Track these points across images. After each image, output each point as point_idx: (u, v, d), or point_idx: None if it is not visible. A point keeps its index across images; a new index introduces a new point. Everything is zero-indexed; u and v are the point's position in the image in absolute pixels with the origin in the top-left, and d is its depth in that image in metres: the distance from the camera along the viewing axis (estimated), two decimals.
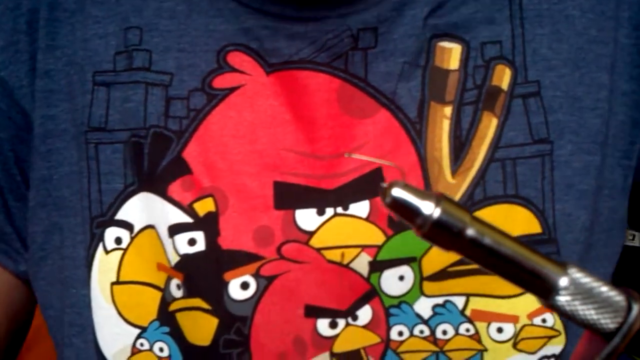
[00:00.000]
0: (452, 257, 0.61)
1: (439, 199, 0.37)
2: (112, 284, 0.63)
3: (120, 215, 0.63)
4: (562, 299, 0.38)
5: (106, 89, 0.64)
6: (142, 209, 0.63)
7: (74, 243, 0.65)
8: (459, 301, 0.62)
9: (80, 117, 0.64)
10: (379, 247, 0.61)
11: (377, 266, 0.61)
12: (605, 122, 0.64)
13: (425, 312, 0.61)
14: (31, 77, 0.65)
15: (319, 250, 0.61)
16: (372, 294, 0.61)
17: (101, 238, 0.64)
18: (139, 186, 0.63)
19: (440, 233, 0.38)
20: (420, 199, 0.37)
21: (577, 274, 0.38)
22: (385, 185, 0.38)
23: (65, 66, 0.65)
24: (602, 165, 0.64)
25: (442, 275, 0.61)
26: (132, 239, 0.63)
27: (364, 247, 0.61)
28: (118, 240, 0.63)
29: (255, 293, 0.61)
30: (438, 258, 0.61)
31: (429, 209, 0.37)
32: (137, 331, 0.63)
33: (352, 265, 0.61)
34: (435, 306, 0.62)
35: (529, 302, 0.62)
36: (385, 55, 0.62)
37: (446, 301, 0.62)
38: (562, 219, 0.62)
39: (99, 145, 0.64)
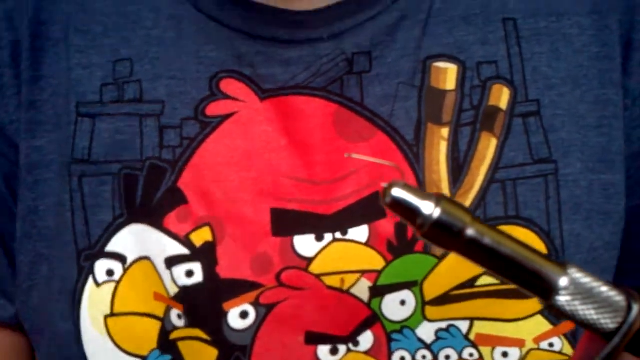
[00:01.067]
0: (454, 280, 0.61)
1: (439, 199, 0.37)
2: (106, 317, 0.62)
3: (111, 247, 0.62)
4: (562, 299, 0.38)
5: (91, 120, 0.63)
6: (134, 241, 0.62)
7: (62, 276, 0.64)
8: (463, 325, 0.61)
9: (64, 148, 0.64)
10: (379, 272, 0.60)
11: (378, 291, 0.60)
12: (613, 141, 0.63)
13: (428, 337, 0.61)
14: (18, 110, 0.65)
15: (318, 276, 0.61)
16: (373, 319, 0.61)
17: (91, 271, 0.62)
18: (129, 218, 0.62)
19: (440, 233, 0.38)
20: (420, 199, 0.38)
21: (577, 274, 0.38)
22: (385, 185, 0.38)
23: (51, 97, 0.64)
24: (610, 185, 0.63)
25: (444, 299, 0.61)
26: (125, 270, 0.62)
27: (363, 273, 0.60)
28: (110, 273, 0.62)
29: (255, 322, 0.61)
30: (440, 282, 0.61)
31: (429, 209, 0.37)
32: None
33: (353, 290, 0.60)
34: (438, 331, 0.61)
35: (535, 325, 0.61)
36: (381, 79, 0.62)
37: (450, 325, 0.61)
38: (571, 239, 0.62)
39: (83, 178, 0.63)
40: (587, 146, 0.63)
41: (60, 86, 0.64)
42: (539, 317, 0.61)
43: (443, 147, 0.62)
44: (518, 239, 0.39)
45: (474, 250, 0.38)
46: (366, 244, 0.61)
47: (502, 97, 0.62)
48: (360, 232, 0.61)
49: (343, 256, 0.61)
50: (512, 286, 0.59)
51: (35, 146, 0.64)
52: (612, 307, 0.38)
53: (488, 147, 0.62)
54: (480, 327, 0.61)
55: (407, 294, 0.61)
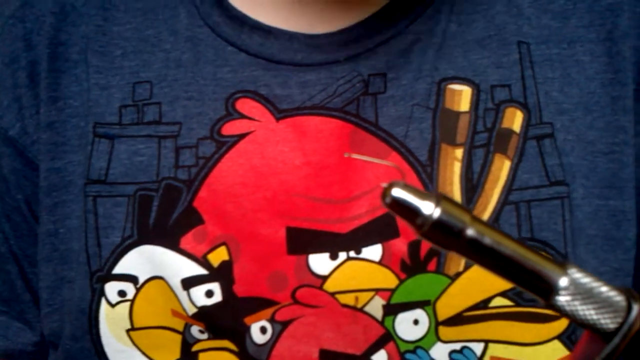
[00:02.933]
0: (467, 301, 0.61)
1: (439, 198, 0.37)
2: (128, 330, 0.63)
3: (119, 269, 0.63)
4: (562, 299, 0.38)
5: (109, 141, 0.64)
6: (145, 261, 0.62)
7: (78, 297, 0.64)
8: (477, 347, 0.61)
9: (80, 168, 0.64)
10: (392, 291, 0.61)
11: (391, 309, 0.61)
12: (623, 167, 0.63)
13: (442, 358, 0.61)
14: (38, 130, 0.65)
15: (332, 294, 0.61)
16: (387, 338, 0.61)
17: (102, 293, 0.63)
18: (139, 239, 0.62)
19: (440, 233, 0.38)
20: (420, 199, 0.38)
21: (577, 274, 0.38)
22: (385, 185, 0.38)
23: (70, 117, 0.65)
24: (619, 212, 0.63)
25: (458, 319, 0.61)
26: (138, 290, 0.62)
27: (377, 291, 0.61)
28: (122, 293, 0.63)
29: (271, 338, 0.61)
30: (453, 302, 0.61)
31: (429, 209, 0.37)
32: None
33: (366, 308, 0.61)
34: (452, 352, 0.61)
35: (551, 350, 0.61)
36: (395, 100, 0.62)
37: (463, 347, 0.61)
38: (578, 264, 0.61)
39: (98, 199, 0.63)
40: (594, 172, 0.62)
41: (79, 108, 0.65)
42: (557, 342, 0.61)
43: (457, 168, 0.62)
44: (518, 240, 0.39)
45: (474, 250, 0.38)
46: (379, 263, 0.61)
47: (515, 119, 0.62)
48: (373, 251, 0.61)
49: (357, 275, 0.61)
50: (527, 309, 0.59)
51: (55, 168, 0.65)
52: (612, 307, 0.38)
53: (501, 168, 0.62)
54: (495, 350, 0.61)
55: (420, 313, 0.61)
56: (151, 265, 0.62)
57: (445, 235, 0.38)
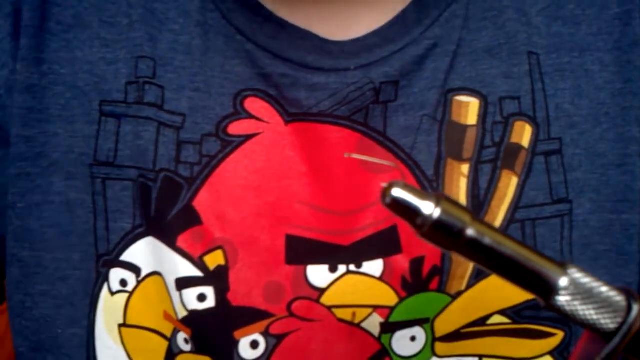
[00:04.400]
0: (466, 319, 0.60)
1: (439, 198, 0.37)
2: (120, 325, 0.62)
3: (126, 256, 0.61)
4: (562, 299, 0.38)
5: (116, 120, 0.61)
6: (150, 254, 0.61)
7: (58, 279, 0.62)
8: None
9: (82, 146, 0.61)
10: (392, 309, 0.60)
11: (389, 327, 0.60)
12: (636, 179, 0.62)
13: None
14: (14, 92, 0.62)
15: (329, 308, 0.60)
16: (382, 354, 0.60)
17: (106, 278, 0.62)
18: (147, 230, 0.61)
19: (440, 233, 0.37)
20: (420, 199, 0.37)
21: (577, 274, 0.38)
22: (385, 185, 0.38)
23: (52, 84, 0.61)
24: (632, 225, 0.62)
25: (455, 336, 0.60)
26: (138, 282, 0.61)
27: (376, 308, 0.60)
28: (123, 283, 0.61)
29: (265, 352, 0.60)
30: (451, 319, 0.60)
31: (428, 209, 0.37)
32: None
33: (364, 325, 0.60)
34: None
35: None
36: (405, 109, 0.61)
37: None
38: None
39: (107, 181, 0.61)
40: (605, 185, 0.61)
41: (74, 77, 0.62)
42: (548, 358, 0.61)
43: (463, 183, 0.61)
44: (518, 240, 0.39)
45: (474, 250, 0.38)
46: (380, 279, 0.60)
47: (524, 134, 0.61)
48: (375, 266, 0.60)
49: (356, 290, 0.60)
50: (523, 326, 0.59)
51: (24, 135, 0.61)
52: (612, 307, 0.38)
53: (509, 185, 0.61)
54: None
55: (418, 330, 0.60)
56: (154, 259, 0.61)
57: (445, 236, 0.38)
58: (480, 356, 0.60)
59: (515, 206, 0.61)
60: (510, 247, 0.38)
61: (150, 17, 0.62)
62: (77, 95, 0.62)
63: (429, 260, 0.59)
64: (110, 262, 0.61)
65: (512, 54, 0.62)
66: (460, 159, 0.61)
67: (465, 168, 0.61)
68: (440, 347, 0.60)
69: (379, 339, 0.60)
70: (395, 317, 0.60)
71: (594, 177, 0.61)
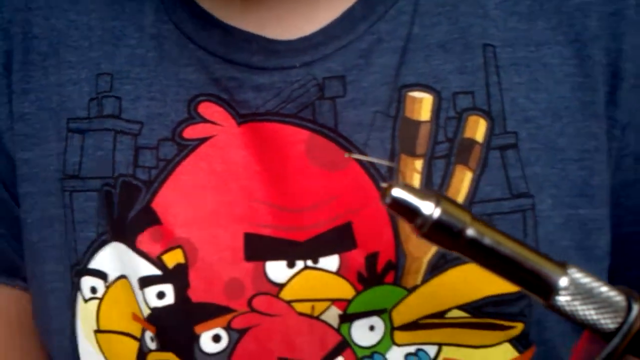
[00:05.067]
0: (423, 311, 0.60)
1: (439, 198, 0.37)
2: (95, 331, 0.62)
3: (94, 264, 0.62)
4: (562, 299, 0.38)
5: (80, 136, 0.63)
6: (115, 258, 0.62)
7: (48, 291, 0.64)
8: (431, 350, 0.61)
9: (55, 163, 0.64)
10: (349, 302, 0.60)
11: (347, 318, 0.60)
12: (594, 174, 0.61)
13: None
14: (10, 120, 0.65)
15: (289, 302, 0.60)
16: (343, 345, 0.60)
17: (78, 287, 0.63)
18: (111, 236, 0.62)
19: (440, 233, 0.38)
20: (420, 199, 0.38)
21: (577, 274, 0.38)
22: (385, 185, 0.38)
23: (38, 110, 0.65)
24: (589, 220, 0.62)
25: (413, 326, 0.60)
26: (107, 288, 0.62)
27: (334, 301, 0.60)
28: (93, 290, 0.62)
29: (228, 346, 0.60)
30: (408, 311, 0.60)
31: (429, 209, 0.37)
32: None
33: (323, 317, 0.60)
34: (407, 355, 0.61)
35: (502, 352, 0.61)
36: (356, 104, 0.61)
37: (418, 350, 0.61)
38: None
39: (73, 193, 0.63)
40: (565, 180, 0.61)
41: (46, 100, 0.64)
42: (507, 345, 0.61)
43: (416, 179, 0.60)
44: (518, 239, 0.39)
45: (474, 250, 0.38)
46: (337, 273, 0.60)
47: (478, 128, 0.61)
48: (331, 262, 0.60)
49: (314, 284, 0.60)
50: (482, 319, 0.60)
51: (24, 159, 0.65)
52: (612, 307, 0.38)
53: (462, 180, 0.60)
54: (448, 352, 0.61)
55: (376, 320, 0.60)
56: (119, 263, 0.62)
57: (445, 235, 0.38)
58: (440, 344, 0.61)
59: (470, 201, 0.60)
60: (510, 247, 0.38)
61: (108, 36, 0.65)
62: (52, 116, 0.64)
63: (384, 256, 0.60)
64: (80, 271, 0.63)
65: (466, 48, 0.62)
66: (413, 154, 0.61)
67: (418, 164, 0.61)
68: (399, 335, 0.60)
69: (338, 329, 0.60)
70: (352, 309, 0.60)
71: (553, 171, 0.61)
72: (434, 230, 0.37)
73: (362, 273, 0.60)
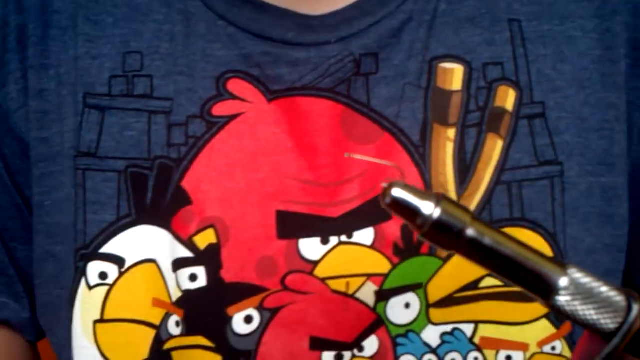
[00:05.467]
0: (458, 282, 0.61)
1: (439, 198, 0.37)
2: (95, 322, 0.62)
3: (108, 248, 0.62)
4: (562, 299, 0.38)
5: (99, 113, 0.62)
6: (140, 242, 0.61)
7: (65, 276, 0.63)
8: (468, 329, 0.61)
9: (70, 140, 0.63)
10: (385, 276, 0.60)
11: (384, 295, 0.60)
12: (614, 144, 0.63)
13: (434, 341, 0.61)
14: (24, 96, 0.64)
15: (323, 280, 0.60)
16: (378, 323, 0.61)
17: (83, 273, 0.62)
18: (138, 218, 0.61)
19: (440, 233, 0.38)
20: (420, 199, 0.37)
21: (577, 274, 0.38)
22: (385, 185, 0.38)
23: (57, 86, 0.63)
24: (610, 188, 0.63)
25: (448, 301, 0.61)
26: (121, 274, 0.61)
27: (369, 276, 0.60)
28: (103, 276, 0.62)
29: (259, 326, 0.61)
30: (444, 283, 0.60)
31: (429, 209, 0.37)
32: None
33: (358, 295, 0.60)
34: (443, 334, 0.61)
35: (539, 329, 0.61)
36: (388, 81, 0.62)
37: (454, 329, 0.61)
38: (571, 243, 0.62)
39: (87, 172, 0.62)
40: (588, 149, 0.62)
41: (65, 75, 0.63)
42: (544, 321, 0.61)
43: (449, 148, 0.61)
44: (518, 239, 0.39)
45: (474, 250, 0.38)
46: (372, 247, 0.60)
47: (507, 98, 0.62)
48: (366, 235, 0.60)
49: (349, 259, 0.60)
50: (515, 288, 0.60)
51: (43, 137, 0.63)
52: (612, 307, 0.38)
53: (494, 148, 0.62)
54: (485, 331, 0.61)
55: (411, 297, 0.60)
56: (145, 247, 0.61)
57: (445, 235, 0.38)
58: (476, 322, 0.61)
59: (501, 168, 0.61)
60: (510, 247, 0.38)
61: (134, 13, 0.64)
62: (70, 92, 0.63)
63: None
64: (88, 255, 0.62)
65: (493, 22, 0.63)
66: (446, 123, 0.62)
67: (451, 132, 0.62)
68: (435, 313, 0.61)
69: (374, 308, 0.60)
70: (389, 284, 0.60)
71: (579, 140, 0.62)
72: (434, 230, 0.37)
73: (398, 244, 0.60)
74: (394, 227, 0.60)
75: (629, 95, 0.63)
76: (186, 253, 0.61)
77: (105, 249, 0.62)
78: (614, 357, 0.37)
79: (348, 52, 0.62)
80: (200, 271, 0.61)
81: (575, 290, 0.38)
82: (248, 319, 0.60)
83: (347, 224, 0.60)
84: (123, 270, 0.61)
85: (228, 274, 0.60)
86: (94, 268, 0.62)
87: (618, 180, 0.63)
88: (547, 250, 0.61)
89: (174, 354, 0.61)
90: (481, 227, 0.38)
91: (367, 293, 0.60)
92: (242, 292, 0.60)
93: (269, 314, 0.60)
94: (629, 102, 0.63)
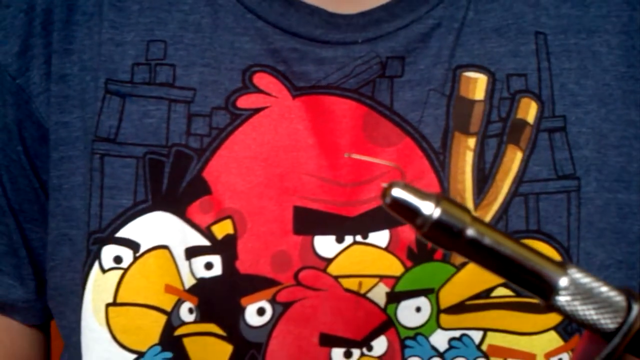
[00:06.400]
0: (470, 290, 0.61)
1: (439, 199, 0.37)
2: (108, 305, 0.62)
3: (123, 233, 0.62)
4: (562, 299, 0.38)
5: (120, 99, 0.63)
6: (155, 228, 0.62)
7: (66, 260, 0.64)
8: (476, 335, 0.61)
9: (90, 125, 0.63)
10: (397, 279, 0.61)
11: (395, 297, 0.61)
12: (632, 161, 0.63)
13: (441, 345, 0.61)
14: (47, 81, 0.64)
15: (336, 278, 0.61)
16: (388, 324, 0.61)
17: (97, 256, 0.62)
18: (154, 205, 0.62)
19: (440, 233, 0.38)
20: (420, 199, 0.38)
21: (577, 274, 0.38)
22: (385, 185, 0.38)
23: (80, 71, 0.64)
24: (625, 205, 0.63)
25: (459, 308, 0.61)
26: (135, 258, 0.62)
27: (382, 278, 0.61)
28: (117, 259, 0.62)
29: (271, 319, 0.61)
30: (456, 291, 0.61)
31: (429, 209, 0.37)
32: (132, 356, 0.62)
33: (369, 295, 0.61)
34: (451, 339, 0.61)
35: (547, 340, 0.61)
36: (412, 85, 0.62)
37: (463, 335, 0.61)
38: (584, 257, 0.62)
39: (105, 157, 0.63)
40: (606, 165, 0.62)
41: (89, 61, 0.64)
42: (553, 333, 0.62)
43: (469, 157, 0.62)
44: (518, 240, 0.39)
45: (474, 251, 0.38)
46: (386, 249, 0.61)
47: (530, 110, 0.62)
48: (381, 237, 0.61)
49: (362, 260, 0.61)
50: (527, 299, 0.60)
51: (63, 122, 0.64)
52: (612, 307, 0.38)
53: (513, 160, 0.62)
54: (493, 339, 0.61)
55: (423, 301, 0.61)
56: (158, 233, 0.62)
57: (445, 236, 0.38)
58: (485, 330, 0.61)
59: (519, 180, 0.62)
60: (510, 247, 0.38)
61: (160, 1, 0.64)
62: (93, 77, 0.64)
63: None
64: (102, 239, 0.62)
65: (519, 34, 0.63)
66: (467, 132, 0.62)
67: (472, 142, 0.62)
68: (445, 319, 0.61)
69: (384, 309, 0.61)
70: (400, 287, 0.61)
71: (598, 156, 0.62)
72: (433, 230, 0.37)
73: (412, 248, 0.61)
74: (409, 231, 0.60)
75: None
76: (202, 241, 0.61)
77: (121, 234, 0.62)
78: (614, 357, 0.37)
79: (375, 54, 0.62)
80: (216, 260, 0.61)
81: (575, 290, 0.38)
82: (260, 311, 0.61)
83: (363, 225, 0.61)
84: (138, 255, 0.62)
85: (243, 266, 0.61)
86: (109, 252, 0.62)
87: (633, 198, 0.63)
88: None
89: (186, 340, 0.62)
90: (481, 227, 0.38)
91: (379, 294, 0.61)
92: (255, 284, 0.61)
93: (281, 308, 0.61)
94: None
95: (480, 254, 0.38)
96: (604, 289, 0.38)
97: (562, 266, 0.38)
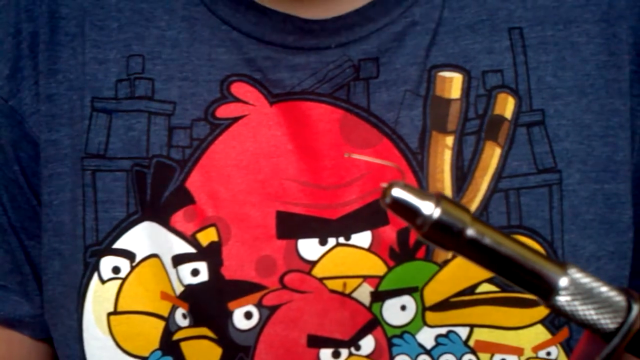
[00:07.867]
0: (454, 287, 0.61)
1: (439, 199, 0.37)
2: (109, 314, 0.63)
3: (120, 244, 0.63)
4: (562, 299, 0.38)
5: (107, 116, 0.64)
6: (146, 237, 0.63)
7: (71, 272, 0.64)
8: (463, 332, 0.61)
9: (78, 143, 0.64)
10: (381, 278, 0.61)
11: (379, 296, 0.61)
12: (618, 150, 0.63)
13: (428, 343, 0.61)
14: (37, 102, 0.65)
15: (321, 279, 0.61)
16: (374, 323, 0.61)
17: (96, 267, 0.63)
18: (143, 215, 0.63)
19: (440, 233, 0.38)
20: (420, 199, 0.37)
21: (577, 274, 0.38)
22: (385, 185, 0.38)
23: (67, 90, 0.65)
24: (613, 195, 0.63)
25: (444, 305, 0.61)
26: (132, 268, 0.63)
27: (365, 278, 0.61)
28: (116, 270, 0.63)
29: (258, 323, 0.61)
30: (440, 288, 0.61)
31: (428, 209, 0.37)
32: None
33: (354, 295, 0.61)
34: (438, 336, 0.61)
35: (534, 334, 0.62)
36: (388, 85, 0.62)
37: (449, 331, 0.61)
38: (569, 250, 0.62)
39: (97, 173, 0.64)
40: (590, 156, 0.62)
41: (75, 80, 0.65)
42: (539, 327, 0.62)
43: (447, 155, 0.62)
44: (518, 240, 0.39)
45: (474, 251, 0.38)
46: (369, 250, 0.61)
47: (507, 106, 0.62)
48: (363, 238, 0.61)
49: (346, 261, 0.61)
50: (512, 294, 0.60)
51: (51, 140, 0.65)
52: (612, 307, 0.38)
53: (492, 156, 0.62)
54: (480, 334, 0.61)
55: (407, 299, 0.61)
56: (150, 242, 0.62)
57: (445, 236, 0.38)
58: (471, 326, 0.62)
59: (498, 176, 0.62)
60: (510, 247, 0.38)
61: (137, 17, 0.65)
62: (79, 96, 0.64)
63: None
64: (100, 251, 0.63)
65: (493, 30, 0.63)
66: (444, 131, 0.62)
67: (449, 140, 0.62)
68: (430, 316, 0.61)
69: (369, 308, 0.61)
70: (384, 286, 0.61)
71: (581, 147, 0.62)
72: (434, 230, 0.37)
73: (394, 248, 0.61)
74: (390, 231, 0.61)
75: (632, 101, 0.63)
76: (187, 249, 0.62)
77: (117, 245, 0.63)
78: (614, 357, 0.37)
79: (347, 58, 0.62)
80: (202, 267, 0.62)
81: (575, 290, 0.38)
82: (248, 315, 0.61)
83: (345, 226, 0.61)
84: (134, 264, 0.63)
85: (228, 271, 0.61)
86: (107, 263, 0.63)
87: (621, 187, 0.63)
88: None
89: (183, 344, 0.62)
90: (481, 227, 0.38)
91: (363, 294, 0.61)
92: (241, 289, 0.61)
93: (268, 312, 0.61)
94: (632, 109, 0.63)
95: (480, 254, 0.38)
96: (604, 289, 0.38)
97: (562, 266, 0.38)
